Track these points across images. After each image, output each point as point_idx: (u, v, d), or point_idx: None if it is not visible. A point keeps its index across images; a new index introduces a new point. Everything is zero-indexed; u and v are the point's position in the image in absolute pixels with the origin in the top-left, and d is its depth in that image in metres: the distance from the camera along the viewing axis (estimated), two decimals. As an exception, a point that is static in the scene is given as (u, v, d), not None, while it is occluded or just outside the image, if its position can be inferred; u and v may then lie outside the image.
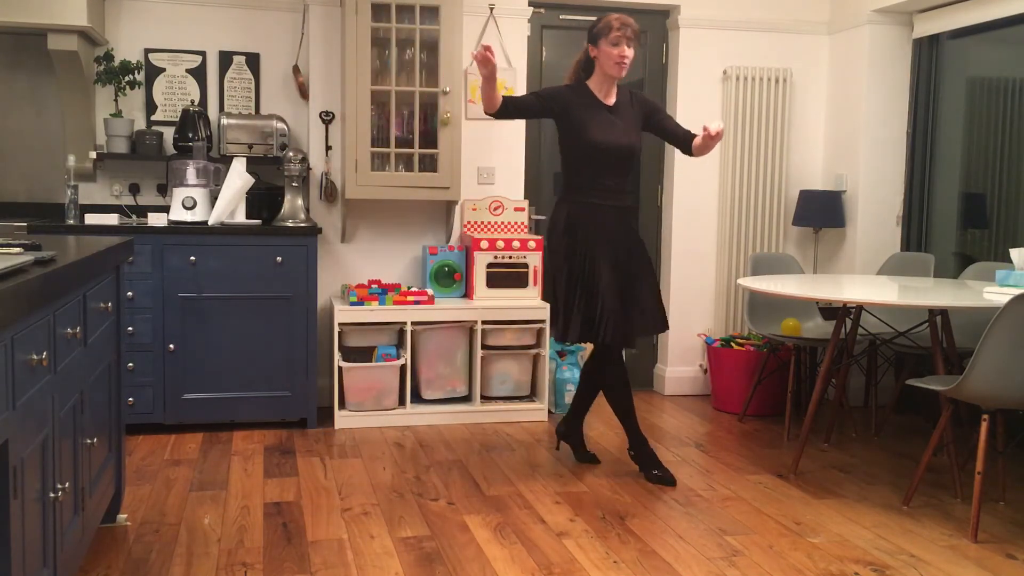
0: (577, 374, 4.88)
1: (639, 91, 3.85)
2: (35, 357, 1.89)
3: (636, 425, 3.79)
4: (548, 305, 4.65)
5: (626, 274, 3.65)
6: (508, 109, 3.59)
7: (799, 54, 5.25)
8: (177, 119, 4.64)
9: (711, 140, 3.57)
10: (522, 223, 4.84)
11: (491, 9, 4.84)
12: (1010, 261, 3.88)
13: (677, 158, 5.16)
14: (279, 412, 4.45)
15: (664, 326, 3.78)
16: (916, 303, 3.66)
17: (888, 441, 4.45)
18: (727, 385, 4.93)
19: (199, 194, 4.39)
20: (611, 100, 3.70)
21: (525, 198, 4.98)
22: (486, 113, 3.58)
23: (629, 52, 3.63)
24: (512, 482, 3.72)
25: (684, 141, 3.75)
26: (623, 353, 3.84)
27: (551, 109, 3.66)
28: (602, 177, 3.64)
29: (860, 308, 3.98)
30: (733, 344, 4.96)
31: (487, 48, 3.37)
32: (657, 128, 3.80)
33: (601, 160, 3.62)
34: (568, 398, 4.85)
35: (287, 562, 2.89)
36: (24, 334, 1.83)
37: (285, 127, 4.66)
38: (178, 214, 4.37)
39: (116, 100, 4.64)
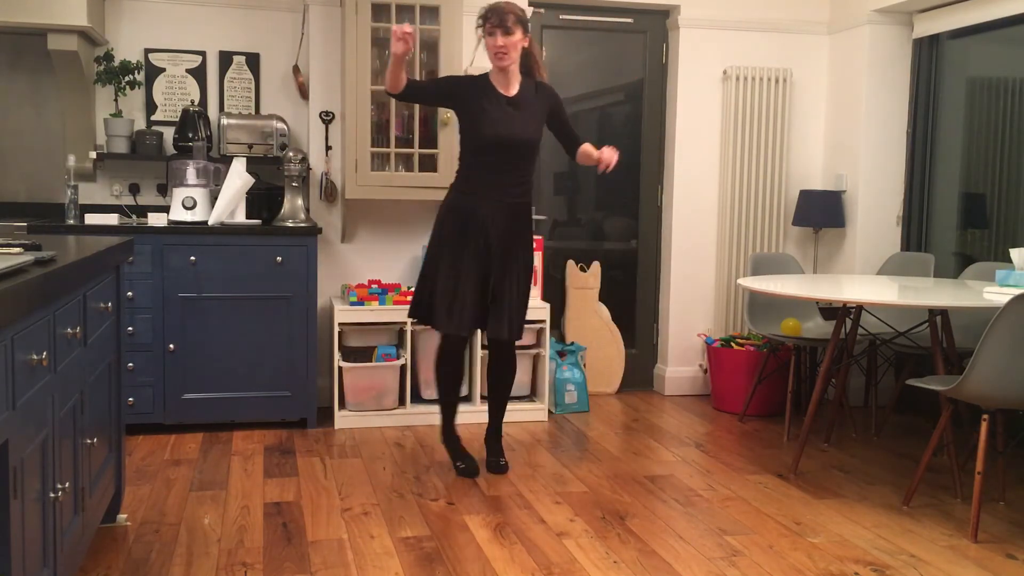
0: (578, 374, 4.89)
1: (548, 85, 3.77)
2: (35, 357, 1.89)
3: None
4: (548, 305, 4.68)
5: (495, 270, 3.62)
6: (409, 92, 3.57)
7: (799, 54, 5.25)
8: (177, 119, 4.64)
9: (594, 162, 3.66)
10: (522, 223, 4.83)
11: (491, 9, 4.83)
12: (1010, 261, 3.88)
13: (677, 158, 5.17)
14: (279, 412, 4.45)
15: (517, 335, 3.71)
16: (916, 303, 3.66)
17: (888, 441, 4.45)
18: (727, 385, 4.94)
19: (199, 194, 4.39)
20: (512, 91, 3.64)
21: (525, 198, 4.98)
22: (387, 93, 3.56)
23: (503, 41, 3.53)
24: (512, 482, 3.72)
25: (573, 145, 3.81)
26: (464, 348, 3.89)
27: (449, 97, 3.66)
28: (487, 171, 3.62)
29: (860, 308, 3.98)
30: (733, 344, 4.96)
31: (408, 32, 3.32)
32: (557, 125, 3.78)
33: (488, 154, 3.60)
34: (568, 398, 4.85)
35: (287, 562, 2.89)
36: (24, 334, 1.83)
37: (285, 127, 4.66)
38: (178, 214, 4.37)
39: (116, 100, 4.64)
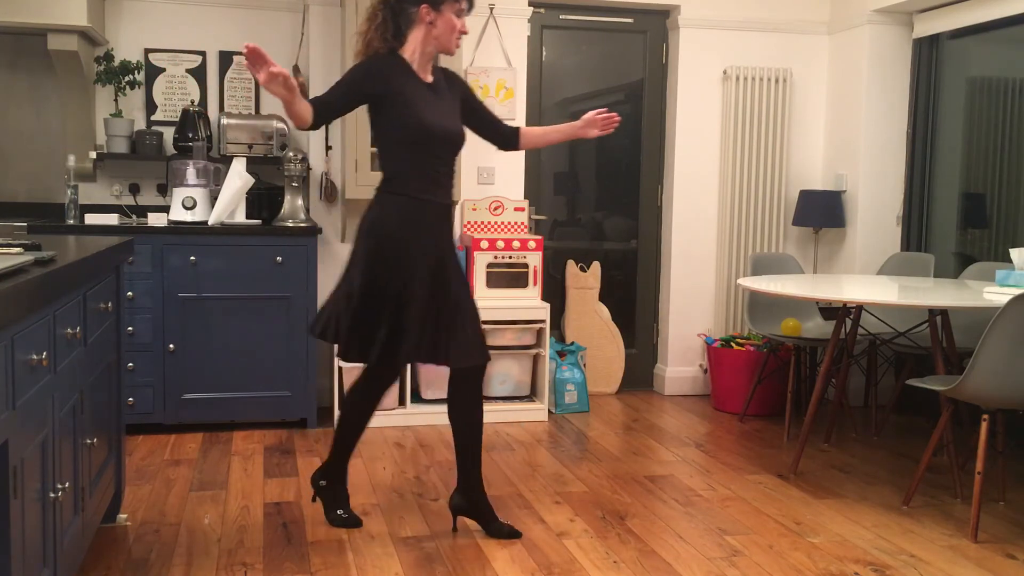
0: (578, 374, 4.88)
1: (451, 71, 3.19)
2: (35, 357, 1.89)
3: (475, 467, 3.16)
4: (548, 305, 4.67)
5: (442, 286, 3.00)
6: (320, 118, 2.89)
7: (799, 54, 5.25)
8: (177, 119, 4.64)
9: (588, 129, 3.22)
10: (522, 223, 4.84)
11: (491, 9, 4.84)
12: (1010, 261, 3.88)
13: (677, 158, 5.17)
14: (279, 412, 4.45)
15: (485, 357, 3.07)
16: (916, 303, 3.66)
17: (888, 441, 4.45)
18: (727, 385, 4.93)
19: (199, 194, 4.39)
20: (429, 78, 3.03)
21: (525, 198, 4.98)
22: (299, 129, 2.91)
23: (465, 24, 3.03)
24: (512, 482, 3.72)
25: (506, 134, 3.26)
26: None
27: (366, 94, 2.95)
28: (431, 167, 2.99)
29: (860, 308, 3.98)
30: (733, 344, 4.96)
31: (252, 51, 2.57)
32: (475, 116, 3.18)
33: (430, 147, 2.97)
34: (568, 398, 4.85)
35: (287, 562, 2.89)
36: (24, 334, 1.83)
37: (285, 127, 4.65)
38: (178, 214, 4.37)
39: (116, 100, 4.64)
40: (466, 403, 3.09)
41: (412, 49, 2.97)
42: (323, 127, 3.05)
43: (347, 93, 2.94)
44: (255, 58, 2.59)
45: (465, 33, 3.02)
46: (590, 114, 3.25)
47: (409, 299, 2.93)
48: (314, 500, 3.30)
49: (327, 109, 2.91)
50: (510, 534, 3.11)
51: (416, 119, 2.92)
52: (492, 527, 3.12)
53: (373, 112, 3.00)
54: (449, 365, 3.02)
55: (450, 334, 2.97)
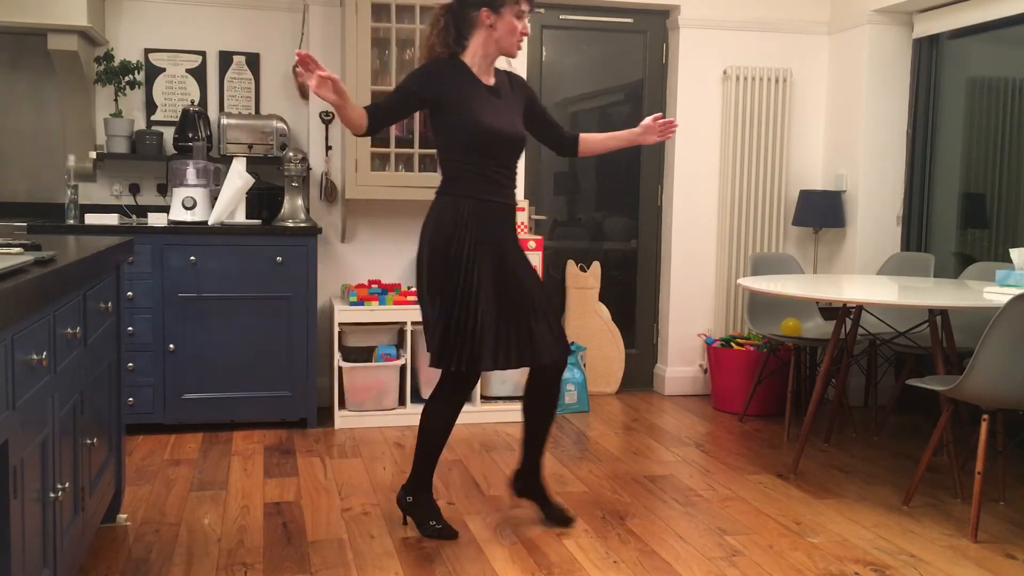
0: (578, 374, 4.89)
1: (517, 74, 3.21)
2: (35, 357, 1.89)
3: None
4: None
5: (516, 286, 3.01)
6: (376, 123, 2.95)
7: (799, 54, 5.25)
8: (177, 119, 4.64)
9: (647, 135, 3.18)
10: (522, 223, 4.84)
11: (491, 9, 4.83)
12: (1010, 261, 3.88)
13: (677, 158, 5.17)
14: (279, 412, 4.45)
15: (563, 352, 3.09)
16: (916, 303, 3.66)
17: (888, 441, 4.45)
18: (727, 385, 4.93)
19: (199, 194, 4.39)
20: (491, 80, 3.06)
21: (525, 198, 4.98)
22: (355, 135, 3.00)
23: (527, 26, 3.01)
24: (512, 482, 3.72)
25: (567, 140, 3.25)
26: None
27: (424, 99, 2.98)
28: (490, 169, 3.00)
29: (860, 308, 3.98)
30: (733, 344, 4.96)
31: (303, 57, 2.70)
32: (538, 121, 3.20)
33: (489, 149, 2.99)
34: (568, 398, 4.85)
35: (287, 562, 2.89)
36: (24, 334, 1.83)
37: (285, 127, 4.66)
38: (178, 214, 4.37)
39: (116, 100, 4.64)
40: (543, 399, 3.15)
41: (473, 53, 3.01)
42: (380, 131, 3.12)
43: (403, 98, 2.99)
44: (305, 64, 2.68)
45: (526, 35, 3.01)
46: (648, 120, 3.22)
47: (477, 303, 2.92)
48: (405, 522, 3.21)
49: (383, 114, 2.96)
50: (561, 519, 3.21)
51: (474, 122, 2.95)
52: (548, 510, 3.24)
53: (432, 116, 3.04)
54: (527, 366, 3.06)
55: (525, 334, 2.99)
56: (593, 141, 3.30)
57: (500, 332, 2.96)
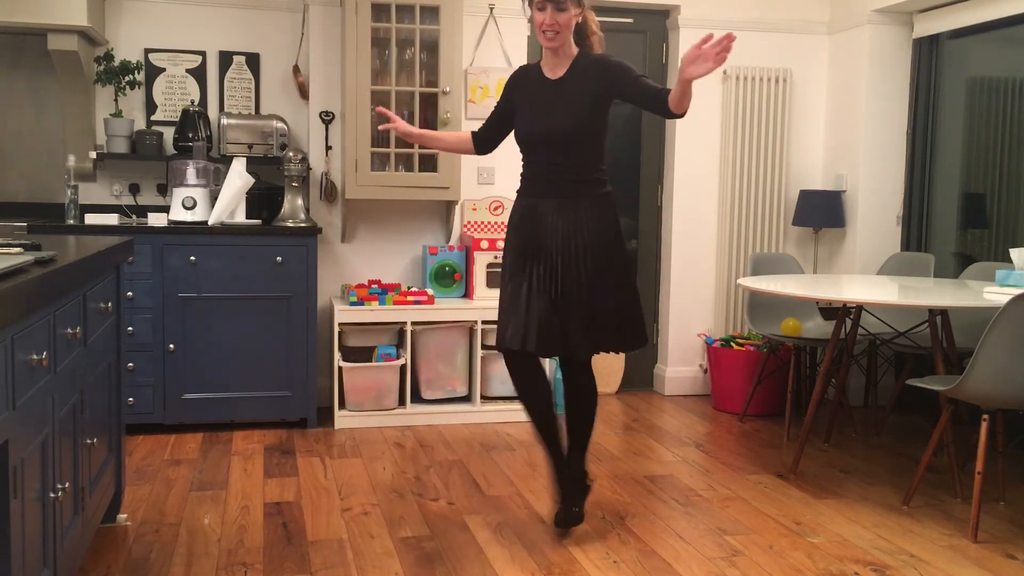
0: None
1: (609, 57, 3.14)
2: (35, 357, 1.89)
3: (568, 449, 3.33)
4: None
5: (569, 277, 3.07)
6: (484, 145, 3.33)
7: (799, 54, 5.25)
8: (177, 119, 4.64)
9: (699, 67, 2.75)
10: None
11: (491, 9, 4.84)
12: (1010, 261, 3.88)
13: (677, 158, 5.17)
14: (279, 412, 4.45)
15: (636, 342, 3.19)
16: (916, 303, 3.66)
17: (888, 441, 4.45)
18: (727, 385, 4.93)
19: (199, 194, 4.39)
20: (559, 73, 3.11)
21: (525, 198, 4.98)
22: (476, 155, 3.40)
23: (552, 18, 2.97)
24: (512, 482, 3.72)
25: (658, 100, 2.99)
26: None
27: (502, 110, 3.25)
28: (538, 168, 3.13)
29: (860, 308, 3.98)
30: (733, 344, 4.96)
31: (381, 113, 3.34)
32: (631, 96, 3.11)
33: (536, 149, 3.13)
34: (568, 398, 4.84)
35: (287, 562, 2.89)
36: (24, 334, 1.83)
37: (285, 127, 4.66)
38: (178, 214, 4.37)
39: (116, 100, 4.64)
40: (569, 390, 3.26)
41: (544, 51, 3.16)
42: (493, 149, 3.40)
43: (495, 114, 3.29)
44: (385, 118, 3.24)
45: (549, 26, 2.99)
46: (690, 50, 2.76)
47: (533, 292, 3.06)
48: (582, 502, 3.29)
49: (487, 137, 3.31)
50: (570, 523, 3.19)
51: (521, 125, 3.17)
52: (567, 512, 3.19)
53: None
54: (566, 356, 3.16)
55: (572, 326, 3.06)
56: (675, 93, 2.93)
57: (549, 322, 3.05)
